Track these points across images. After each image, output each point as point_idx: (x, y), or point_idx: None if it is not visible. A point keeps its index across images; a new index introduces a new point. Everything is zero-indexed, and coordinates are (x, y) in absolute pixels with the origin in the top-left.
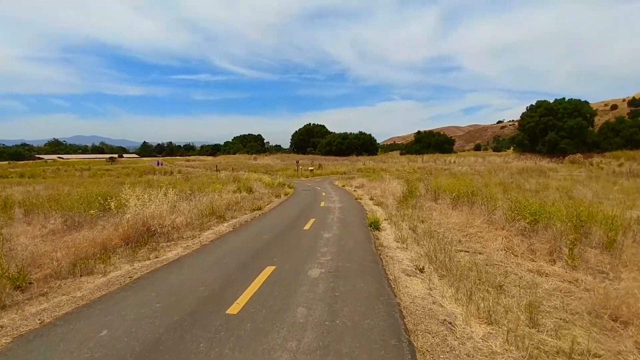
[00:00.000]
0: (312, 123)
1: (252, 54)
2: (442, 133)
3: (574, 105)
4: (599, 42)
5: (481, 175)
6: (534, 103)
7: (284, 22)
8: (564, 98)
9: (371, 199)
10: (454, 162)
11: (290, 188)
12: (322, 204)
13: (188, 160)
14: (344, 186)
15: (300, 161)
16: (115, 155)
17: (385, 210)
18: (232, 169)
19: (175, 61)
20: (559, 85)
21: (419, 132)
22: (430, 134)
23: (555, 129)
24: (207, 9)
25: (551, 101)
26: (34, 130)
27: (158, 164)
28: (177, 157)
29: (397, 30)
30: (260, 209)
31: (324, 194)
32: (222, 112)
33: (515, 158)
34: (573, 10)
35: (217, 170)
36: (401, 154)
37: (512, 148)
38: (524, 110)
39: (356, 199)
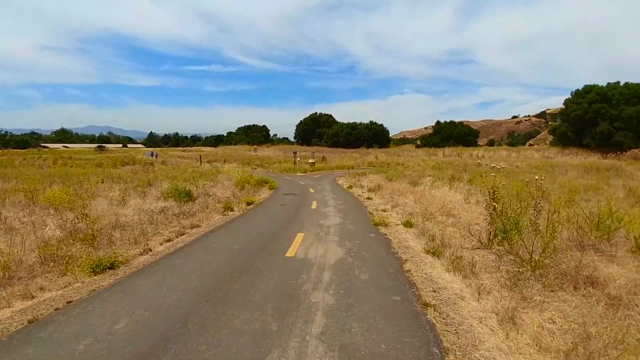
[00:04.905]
0: (318, 112)
1: (264, 45)
2: (464, 123)
3: (632, 90)
4: (626, 35)
5: (534, 174)
6: (580, 88)
7: (298, 12)
8: (618, 82)
9: (408, 224)
10: (483, 156)
11: (271, 189)
12: (296, 242)
13: (184, 151)
14: (350, 187)
15: (298, 152)
16: (106, 145)
17: (502, 325)
18: (224, 160)
19: (188, 52)
20: (581, 80)
21: (438, 122)
22: (451, 124)
23: (609, 119)
24: None
25: (602, 85)
26: (50, 119)
27: (152, 155)
28: (175, 148)
29: (412, 22)
30: (104, 270)
31: (314, 204)
32: (232, 103)
33: (558, 153)
34: (598, 1)
35: (200, 162)
36: (417, 146)
37: (531, 141)
38: (542, 105)
39: (376, 224)
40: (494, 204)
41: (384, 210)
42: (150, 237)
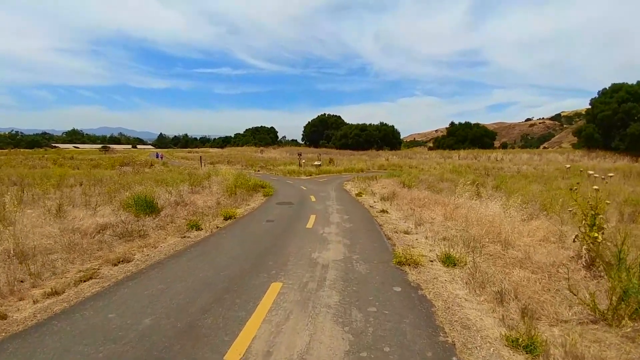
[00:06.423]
0: (326, 113)
1: (274, 47)
2: (480, 125)
3: None
4: None
5: (569, 179)
6: (607, 87)
7: (307, 13)
8: None
9: (449, 261)
10: (502, 159)
11: (265, 196)
12: (260, 312)
13: (190, 152)
14: (360, 195)
15: (305, 154)
16: (114, 146)
17: None
18: (228, 162)
19: (198, 54)
20: (597, 82)
21: (452, 123)
22: (466, 126)
23: (639, 120)
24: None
25: (631, 83)
26: (64, 120)
27: (157, 156)
28: (183, 149)
29: (423, 22)
30: None
31: (311, 220)
32: (242, 106)
33: (583, 156)
34: (615, 1)
35: (200, 164)
36: (430, 149)
37: (545, 144)
38: (556, 107)
39: (400, 263)
40: (594, 234)
41: (407, 233)
42: (42, 282)
